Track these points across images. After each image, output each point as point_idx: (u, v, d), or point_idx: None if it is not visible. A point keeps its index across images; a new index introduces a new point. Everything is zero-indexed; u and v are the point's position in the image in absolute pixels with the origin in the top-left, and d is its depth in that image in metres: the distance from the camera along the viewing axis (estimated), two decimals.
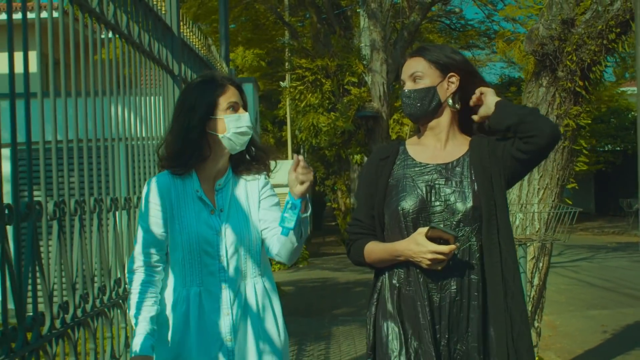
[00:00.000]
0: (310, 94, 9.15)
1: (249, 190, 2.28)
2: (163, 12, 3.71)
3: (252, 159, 2.31)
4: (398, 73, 9.25)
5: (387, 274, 2.16)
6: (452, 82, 2.15)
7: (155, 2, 3.47)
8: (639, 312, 7.55)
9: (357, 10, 16.21)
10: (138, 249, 2.19)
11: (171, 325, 2.16)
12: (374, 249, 2.15)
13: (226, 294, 2.16)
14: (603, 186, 28.93)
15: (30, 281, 1.93)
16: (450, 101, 2.16)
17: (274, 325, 2.22)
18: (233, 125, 2.18)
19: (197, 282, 2.16)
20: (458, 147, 2.19)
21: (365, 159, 10.58)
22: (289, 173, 2.07)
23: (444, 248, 1.96)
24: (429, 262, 2.00)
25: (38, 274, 1.99)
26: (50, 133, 2.16)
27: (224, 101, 2.19)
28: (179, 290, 2.17)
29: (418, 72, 2.15)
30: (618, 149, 26.45)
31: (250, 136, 2.23)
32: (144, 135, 3.17)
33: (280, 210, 2.22)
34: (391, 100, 9.21)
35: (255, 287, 2.20)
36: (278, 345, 2.22)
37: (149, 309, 2.14)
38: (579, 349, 6.08)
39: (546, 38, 4.48)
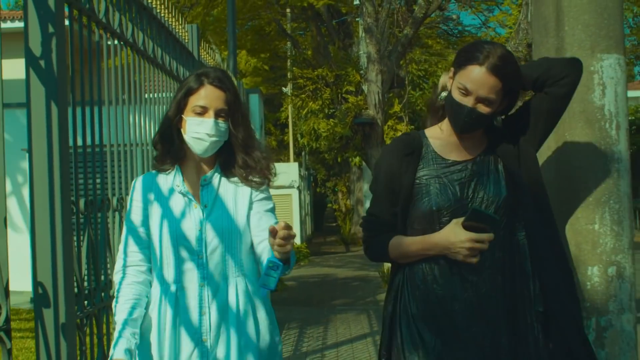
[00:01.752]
0: (311, 102, 9.87)
1: (239, 188, 2.17)
2: (186, 40, 4.43)
3: (243, 165, 2.17)
4: (392, 82, 9.97)
5: (407, 271, 2.06)
6: (505, 103, 2.06)
7: (181, 34, 4.20)
8: None
9: (357, 19, 16.95)
10: (122, 249, 2.15)
11: (153, 325, 2.10)
12: (402, 243, 2.04)
13: (204, 292, 2.08)
14: None
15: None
16: (498, 120, 2.12)
17: (256, 329, 2.12)
18: (192, 129, 2.09)
19: (174, 279, 2.09)
20: (478, 140, 2.10)
21: (363, 162, 11.31)
22: (268, 238, 1.91)
23: (484, 236, 1.90)
24: (467, 253, 1.92)
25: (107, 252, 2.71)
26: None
27: (192, 102, 2.10)
28: (158, 288, 2.12)
29: (492, 99, 1.98)
30: None
31: (208, 145, 2.10)
32: None
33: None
34: (386, 107, 9.88)
35: (237, 287, 2.10)
36: (259, 350, 2.12)
37: (129, 311, 2.07)
38: None
39: None
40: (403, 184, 2.06)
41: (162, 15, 3.70)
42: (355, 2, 13.46)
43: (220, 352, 2.06)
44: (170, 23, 3.90)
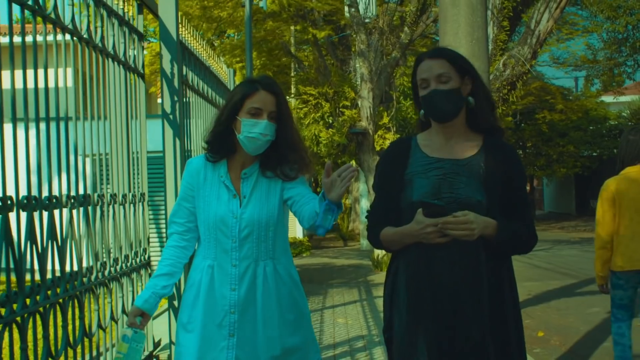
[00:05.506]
0: (313, 113, 11.66)
1: (272, 182, 2.37)
2: (226, 80, 6.22)
3: (282, 160, 2.35)
4: (382, 98, 11.75)
5: (400, 257, 2.26)
6: (468, 84, 2.24)
7: (219, 72, 5.98)
8: (560, 283, 9.63)
9: (353, 35, 18.63)
10: (169, 219, 2.44)
11: (194, 292, 2.35)
12: (387, 233, 2.26)
13: (235, 271, 2.30)
14: (583, 189, 30.75)
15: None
16: (470, 99, 2.24)
17: (280, 306, 2.31)
18: (247, 130, 2.27)
19: (212, 256, 2.33)
20: (470, 144, 2.25)
21: (358, 166, 13.07)
22: (324, 177, 2.08)
23: (441, 219, 2.07)
24: (432, 235, 2.10)
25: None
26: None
27: (248, 104, 2.28)
28: (198, 260, 2.38)
29: (446, 74, 2.19)
30: (594, 154, 28.26)
31: (261, 143, 2.28)
32: None
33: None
34: (376, 120, 11.67)
35: (265, 269, 2.32)
36: (282, 324, 2.31)
37: (160, 269, 2.37)
38: None
39: None
40: (394, 181, 2.27)
41: (212, 65, 5.48)
42: (346, 15, 14.66)
43: (246, 323, 2.29)
44: (216, 70, 5.68)
